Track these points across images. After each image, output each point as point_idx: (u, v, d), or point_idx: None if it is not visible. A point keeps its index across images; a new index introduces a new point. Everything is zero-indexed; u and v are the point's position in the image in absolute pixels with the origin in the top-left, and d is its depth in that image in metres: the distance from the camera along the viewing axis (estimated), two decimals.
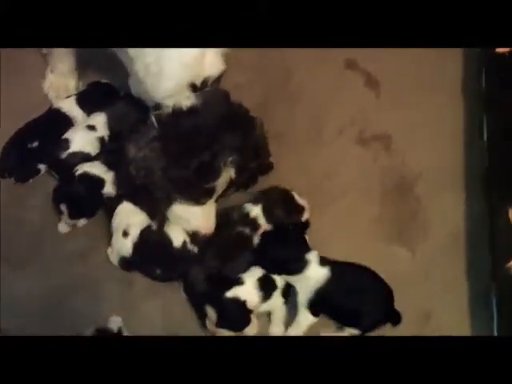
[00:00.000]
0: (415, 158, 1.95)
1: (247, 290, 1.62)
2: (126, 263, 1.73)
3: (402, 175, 1.93)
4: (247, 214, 1.71)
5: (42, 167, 1.92)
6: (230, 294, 1.61)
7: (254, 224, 1.71)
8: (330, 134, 2.02)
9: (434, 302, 1.71)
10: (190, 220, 1.67)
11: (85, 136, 1.89)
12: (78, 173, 1.79)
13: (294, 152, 1.96)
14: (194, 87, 1.61)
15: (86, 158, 1.86)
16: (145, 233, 1.71)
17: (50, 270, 1.78)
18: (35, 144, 1.90)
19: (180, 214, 1.68)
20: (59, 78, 2.06)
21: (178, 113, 1.58)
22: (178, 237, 1.70)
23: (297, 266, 1.62)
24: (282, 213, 1.72)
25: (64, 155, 1.86)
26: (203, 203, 1.65)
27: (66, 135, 1.89)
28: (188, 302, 1.71)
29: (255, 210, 1.72)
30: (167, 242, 1.70)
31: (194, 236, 1.68)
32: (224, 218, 1.72)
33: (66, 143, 1.87)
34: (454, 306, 1.70)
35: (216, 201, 1.69)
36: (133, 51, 1.61)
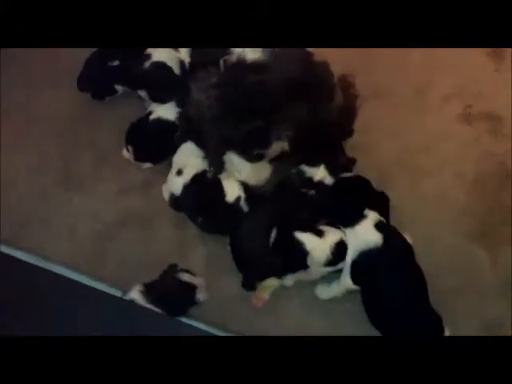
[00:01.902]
0: None
1: (319, 244, 1.47)
2: (175, 202, 1.64)
3: (503, 166, 1.68)
4: (311, 178, 1.56)
5: (120, 88, 1.86)
6: (300, 236, 1.48)
7: (320, 186, 1.56)
8: (433, 102, 1.80)
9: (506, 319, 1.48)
10: (241, 171, 1.55)
11: (168, 52, 1.77)
12: (151, 117, 1.72)
13: (389, 115, 1.77)
14: None
15: (167, 71, 1.75)
16: (198, 177, 1.61)
17: (107, 199, 1.73)
18: (116, 63, 1.82)
19: (233, 161, 1.55)
20: None
21: (242, 65, 1.43)
22: (233, 191, 1.57)
23: (351, 218, 1.48)
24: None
25: (146, 65, 1.76)
26: (254, 162, 1.51)
27: (148, 51, 1.78)
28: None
29: (319, 173, 1.56)
30: (220, 193, 1.57)
31: (249, 190, 1.56)
32: (285, 180, 1.58)
33: (147, 56, 1.77)
34: None
35: (271, 162, 1.54)
36: None
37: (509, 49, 1.83)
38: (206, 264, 1.62)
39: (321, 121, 1.47)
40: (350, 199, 1.53)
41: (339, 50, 1.76)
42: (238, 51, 1.48)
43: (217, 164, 1.58)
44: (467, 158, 1.70)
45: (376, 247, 1.44)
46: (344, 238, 1.48)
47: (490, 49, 1.84)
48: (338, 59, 1.75)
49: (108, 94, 1.87)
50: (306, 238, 1.48)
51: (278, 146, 1.46)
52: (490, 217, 1.62)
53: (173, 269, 1.53)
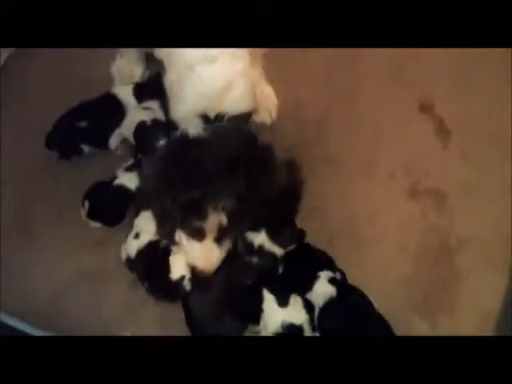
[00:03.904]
0: (465, 224, 1.78)
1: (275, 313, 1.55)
2: (129, 264, 1.70)
3: (445, 240, 1.76)
4: (252, 244, 1.61)
5: (86, 148, 1.93)
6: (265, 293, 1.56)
7: (261, 252, 1.61)
8: (381, 177, 1.89)
9: None
10: (189, 252, 1.58)
11: (144, 113, 1.86)
12: (115, 182, 1.80)
13: (338, 185, 1.86)
14: (205, 118, 1.56)
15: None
16: (152, 244, 1.66)
17: (62, 254, 1.79)
18: (83, 124, 1.91)
19: (182, 242, 1.59)
20: (127, 64, 2.06)
21: (184, 140, 1.52)
22: (178, 269, 1.61)
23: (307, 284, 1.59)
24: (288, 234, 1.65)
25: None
26: (199, 240, 1.55)
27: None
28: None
29: (259, 238, 1.61)
30: (167, 267, 1.62)
31: (194, 271, 1.59)
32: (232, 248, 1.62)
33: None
34: None
35: (218, 241, 1.56)
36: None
37: (456, 129, 1.93)
38: (157, 326, 1.66)
39: (260, 197, 1.51)
40: (302, 269, 1.63)
41: (293, 120, 1.93)
42: (182, 127, 1.57)
43: (164, 236, 1.63)
44: (411, 231, 1.78)
45: (331, 299, 1.55)
46: (305, 325, 1.54)
47: (438, 128, 1.94)
48: (291, 130, 1.91)
49: (74, 154, 1.94)
50: (268, 299, 1.55)
51: (215, 219, 1.50)
52: (431, 287, 1.69)
53: None
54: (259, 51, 1.83)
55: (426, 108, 1.99)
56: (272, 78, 1.96)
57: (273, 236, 1.61)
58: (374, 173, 1.88)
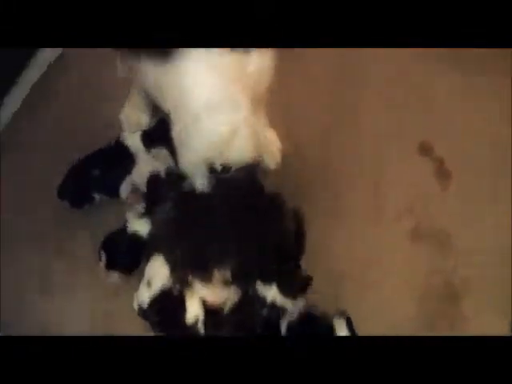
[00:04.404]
0: (469, 264, 1.83)
1: None
2: (142, 312, 1.73)
3: (449, 280, 1.81)
4: (264, 298, 1.65)
5: (97, 196, 1.97)
6: None
7: (273, 307, 1.65)
8: (387, 219, 1.93)
9: None
10: (198, 291, 1.63)
11: (155, 162, 1.92)
12: (128, 230, 1.84)
13: (342, 227, 1.90)
14: (212, 168, 1.57)
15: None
16: (164, 293, 1.69)
17: (79, 305, 1.84)
18: (95, 172, 1.95)
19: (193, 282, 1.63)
20: (134, 112, 2.11)
21: (191, 192, 1.55)
22: (193, 310, 1.65)
23: None
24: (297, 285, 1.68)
25: None
26: (207, 284, 1.59)
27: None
28: None
29: (271, 293, 1.65)
30: (180, 315, 1.66)
31: (207, 310, 1.64)
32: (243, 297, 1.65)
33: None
34: None
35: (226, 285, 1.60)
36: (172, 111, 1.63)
37: (454, 169, 1.98)
38: None
39: (267, 247, 1.54)
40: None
41: (294, 162, 1.97)
42: (189, 179, 1.59)
43: (177, 278, 1.66)
44: (415, 273, 1.83)
45: None
46: None
47: (437, 168, 1.99)
48: (292, 173, 1.95)
49: (86, 202, 1.98)
50: None
51: (220, 276, 1.53)
52: (436, 328, 1.74)
53: None
54: (261, 98, 1.86)
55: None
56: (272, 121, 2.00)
57: (283, 288, 1.64)
58: (376, 215, 1.94)
